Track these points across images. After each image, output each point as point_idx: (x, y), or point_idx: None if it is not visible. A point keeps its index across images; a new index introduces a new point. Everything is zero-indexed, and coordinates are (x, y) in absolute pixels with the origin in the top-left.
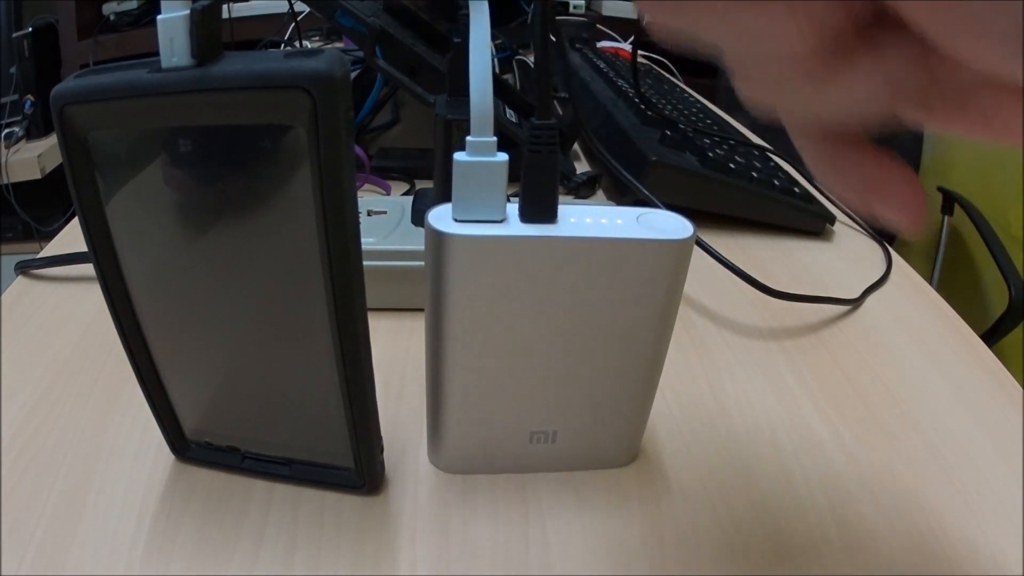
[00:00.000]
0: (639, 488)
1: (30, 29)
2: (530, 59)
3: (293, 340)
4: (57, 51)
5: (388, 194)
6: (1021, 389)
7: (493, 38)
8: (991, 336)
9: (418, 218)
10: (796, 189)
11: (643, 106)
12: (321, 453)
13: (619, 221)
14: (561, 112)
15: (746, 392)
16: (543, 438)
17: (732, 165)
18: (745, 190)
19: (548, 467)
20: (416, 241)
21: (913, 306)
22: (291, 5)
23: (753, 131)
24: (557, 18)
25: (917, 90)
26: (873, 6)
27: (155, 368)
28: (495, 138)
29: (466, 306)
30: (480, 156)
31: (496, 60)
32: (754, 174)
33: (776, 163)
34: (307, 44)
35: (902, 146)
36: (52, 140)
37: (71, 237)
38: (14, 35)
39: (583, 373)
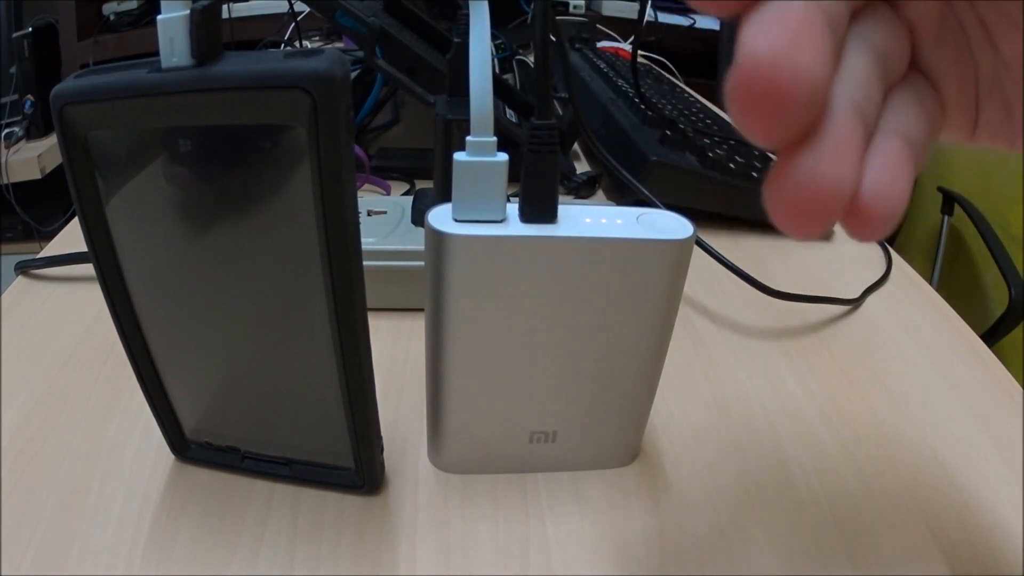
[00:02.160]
0: (639, 488)
1: (30, 29)
2: (530, 59)
3: (293, 340)
4: (57, 51)
5: (388, 194)
6: (1021, 389)
7: (493, 38)
8: (991, 336)
9: (418, 218)
10: None
11: (643, 106)
12: (321, 453)
13: (619, 221)
14: (561, 112)
15: (746, 392)
16: (543, 438)
17: (732, 165)
18: (745, 190)
19: (548, 467)
20: (416, 241)
21: (913, 306)
22: (291, 5)
23: None
24: (557, 18)
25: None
26: None
27: (155, 368)
28: (495, 138)
29: (466, 306)
30: (480, 156)
31: (496, 60)
32: (754, 174)
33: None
34: (307, 44)
35: None
36: (52, 140)
37: (71, 237)
38: (14, 35)
39: (583, 373)
